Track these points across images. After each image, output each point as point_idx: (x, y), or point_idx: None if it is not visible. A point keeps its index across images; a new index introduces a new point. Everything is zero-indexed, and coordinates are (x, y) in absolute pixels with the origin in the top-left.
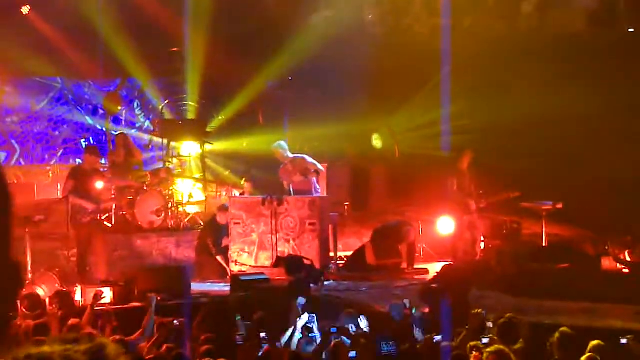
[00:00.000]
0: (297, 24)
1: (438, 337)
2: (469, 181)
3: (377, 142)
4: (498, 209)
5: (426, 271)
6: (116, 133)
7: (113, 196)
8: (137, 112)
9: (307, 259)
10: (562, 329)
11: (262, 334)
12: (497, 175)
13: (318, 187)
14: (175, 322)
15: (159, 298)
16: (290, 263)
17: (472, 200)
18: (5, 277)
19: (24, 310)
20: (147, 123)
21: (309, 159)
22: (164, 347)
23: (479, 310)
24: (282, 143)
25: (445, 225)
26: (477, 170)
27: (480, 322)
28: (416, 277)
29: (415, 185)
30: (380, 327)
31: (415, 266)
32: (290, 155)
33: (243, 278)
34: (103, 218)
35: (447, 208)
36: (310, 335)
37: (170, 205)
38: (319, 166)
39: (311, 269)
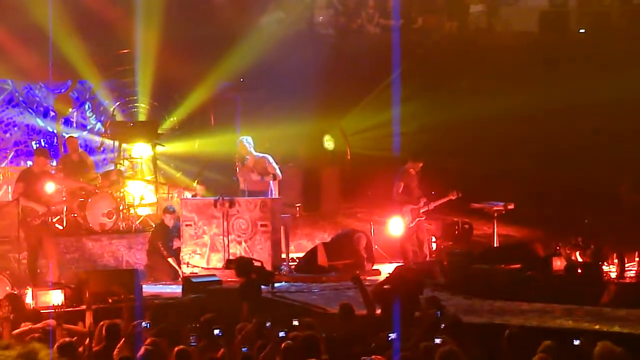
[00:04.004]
0: (248, 25)
1: (393, 335)
2: (415, 184)
3: (328, 143)
4: (449, 210)
5: (378, 272)
6: (67, 136)
7: (64, 198)
8: (89, 114)
9: (257, 260)
10: (510, 328)
11: (216, 331)
12: (447, 175)
13: (275, 190)
14: (144, 323)
15: (110, 300)
16: (240, 265)
17: (419, 202)
18: None
19: None
20: (99, 125)
21: (271, 161)
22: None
23: (433, 311)
24: (249, 139)
25: (396, 227)
26: (428, 171)
27: (433, 323)
28: (368, 278)
29: (367, 187)
30: (330, 329)
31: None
32: (255, 153)
33: (195, 280)
34: (54, 220)
35: (395, 210)
36: None
37: (121, 208)
38: (278, 171)
39: (261, 271)
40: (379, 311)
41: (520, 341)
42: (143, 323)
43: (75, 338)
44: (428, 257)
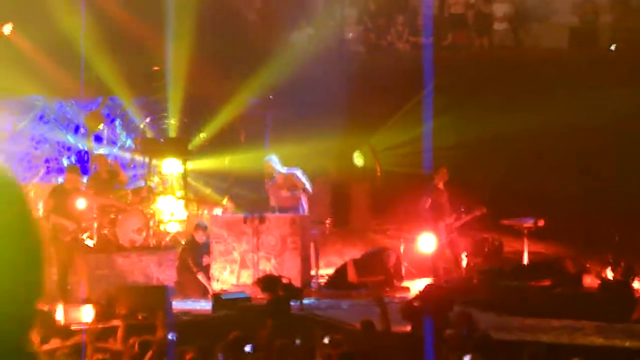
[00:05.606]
0: (278, 41)
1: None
2: (445, 199)
3: (358, 159)
4: (479, 227)
5: (408, 289)
6: (96, 154)
7: (94, 215)
8: (119, 130)
9: (285, 277)
10: (528, 347)
11: (247, 348)
12: (478, 192)
13: (305, 206)
14: (170, 336)
15: (140, 317)
16: (266, 282)
17: (450, 218)
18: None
19: None
20: (129, 141)
21: (300, 176)
22: None
23: (460, 329)
24: (273, 157)
25: (427, 243)
26: (458, 188)
27: (462, 341)
28: (398, 295)
29: (397, 203)
30: (356, 344)
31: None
32: (282, 169)
33: (225, 297)
34: (84, 237)
35: (426, 226)
36: None
37: (151, 224)
38: (308, 185)
39: (289, 287)
40: (408, 328)
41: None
42: (169, 335)
43: (108, 354)
44: (461, 273)
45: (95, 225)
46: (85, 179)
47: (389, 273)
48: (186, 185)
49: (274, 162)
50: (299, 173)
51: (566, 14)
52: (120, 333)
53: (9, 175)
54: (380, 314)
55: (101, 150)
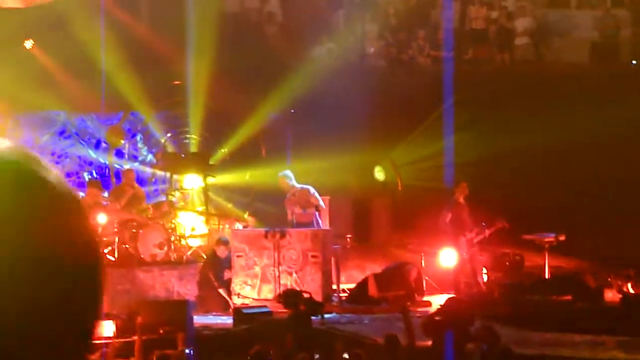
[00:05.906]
0: (299, 56)
1: None
2: (466, 213)
3: (379, 174)
4: (500, 241)
5: (429, 303)
6: (124, 169)
7: (115, 229)
8: (140, 145)
9: (306, 291)
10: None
11: None
12: (499, 206)
13: (320, 221)
14: (187, 350)
15: (161, 331)
16: (287, 296)
17: (470, 232)
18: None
19: None
20: (150, 156)
21: (313, 192)
22: None
23: (481, 344)
24: (288, 172)
25: (448, 258)
26: (479, 202)
27: (482, 355)
28: (419, 309)
29: (418, 218)
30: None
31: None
32: (297, 185)
33: (246, 311)
34: (105, 251)
35: (446, 240)
36: None
37: (172, 239)
38: (321, 202)
39: (310, 302)
40: (429, 343)
41: None
42: (186, 350)
43: None
44: (481, 287)
45: (117, 239)
46: (106, 193)
47: (410, 287)
48: (207, 200)
49: (289, 177)
50: (311, 189)
51: (587, 29)
52: (137, 347)
53: (66, 188)
54: (405, 328)
55: (127, 165)
